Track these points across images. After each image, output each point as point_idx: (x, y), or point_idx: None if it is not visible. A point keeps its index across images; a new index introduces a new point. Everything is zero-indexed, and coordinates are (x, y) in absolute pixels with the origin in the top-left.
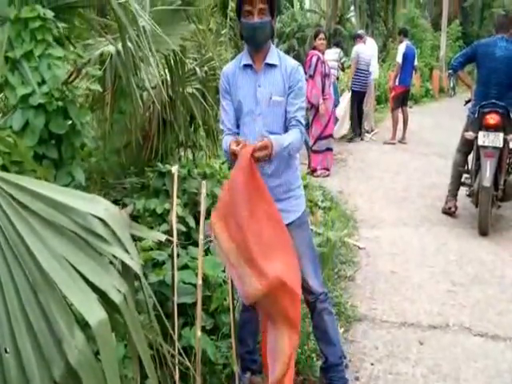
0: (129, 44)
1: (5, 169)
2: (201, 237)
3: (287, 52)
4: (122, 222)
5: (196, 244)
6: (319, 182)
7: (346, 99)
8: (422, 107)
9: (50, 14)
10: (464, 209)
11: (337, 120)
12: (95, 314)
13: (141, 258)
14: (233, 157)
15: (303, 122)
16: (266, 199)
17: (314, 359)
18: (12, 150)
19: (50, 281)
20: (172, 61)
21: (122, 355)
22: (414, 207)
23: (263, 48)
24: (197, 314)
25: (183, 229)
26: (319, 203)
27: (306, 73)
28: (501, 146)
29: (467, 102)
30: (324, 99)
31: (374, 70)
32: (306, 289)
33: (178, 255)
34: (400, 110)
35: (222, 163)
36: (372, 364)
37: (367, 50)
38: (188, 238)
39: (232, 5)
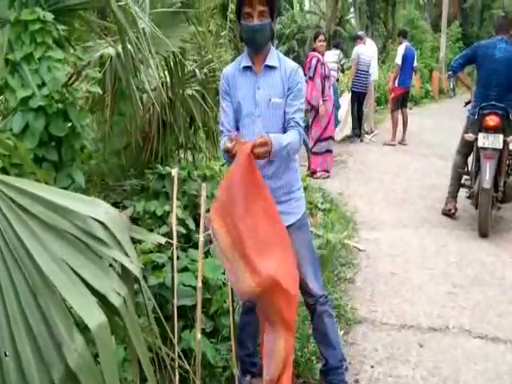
0: (129, 46)
1: (5, 171)
2: (201, 239)
3: (287, 53)
4: (122, 225)
5: (196, 246)
6: (319, 184)
7: (346, 101)
8: (421, 108)
9: (49, 16)
10: (464, 210)
11: (338, 122)
12: (95, 317)
13: (141, 260)
14: (227, 154)
15: (302, 123)
16: (264, 196)
17: (314, 362)
18: (12, 153)
19: (49, 284)
20: (172, 63)
21: (122, 358)
22: (414, 209)
23: (263, 50)
24: (197, 316)
25: (183, 231)
26: (319, 205)
27: (305, 74)
28: (501, 147)
29: (467, 104)
30: (324, 101)
31: (374, 71)
32: (306, 291)
33: (178, 257)
34: (400, 111)
35: (222, 165)
36: (372, 366)
37: (367, 50)
38: (188, 240)
39: (232, 7)
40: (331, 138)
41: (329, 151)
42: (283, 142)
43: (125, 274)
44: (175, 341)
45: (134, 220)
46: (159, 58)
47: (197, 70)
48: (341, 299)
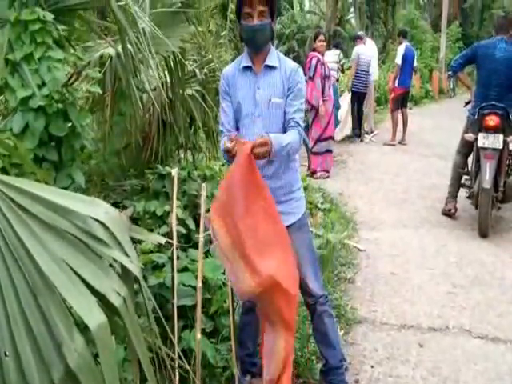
0: (129, 46)
1: (5, 171)
2: (201, 239)
3: (287, 53)
4: (122, 225)
5: (196, 246)
6: (319, 184)
7: (346, 101)
8: (421, 108)
9: (49, 16)
10: (464, 210)
11: (338, 122)
12: (95, 317)
13: (141, 260)
14: (227, 154)
15: (302, 123)
16: (264, 196)
17: (314, 362)
18: (12, 153)
19: (49, 284)
20: (172, 63)
21: (122, 358)
22: (414, 209)
23: (263, 50)
24: (197, 316)
25: (183, 231)
26: (319, 205)
27: (305, 74)
28: (500, 147)
29: (467, 104)
30: (324, 101)
31: (374, 71)
32: (306, 291)
33: (178, 257)
34: (400, 111)
35: (222, 165)
36: (372, 366)
37: (367, 50)
38: (188, 240)
39: (232, 6)
40: (331, 138)
41: (329, 151)
42: (283, 141)
43: (125, 274)
44: (175, 341)
45: (134, 220)
46: (159, 58)
47: (197, 70)
48: (341, 299)
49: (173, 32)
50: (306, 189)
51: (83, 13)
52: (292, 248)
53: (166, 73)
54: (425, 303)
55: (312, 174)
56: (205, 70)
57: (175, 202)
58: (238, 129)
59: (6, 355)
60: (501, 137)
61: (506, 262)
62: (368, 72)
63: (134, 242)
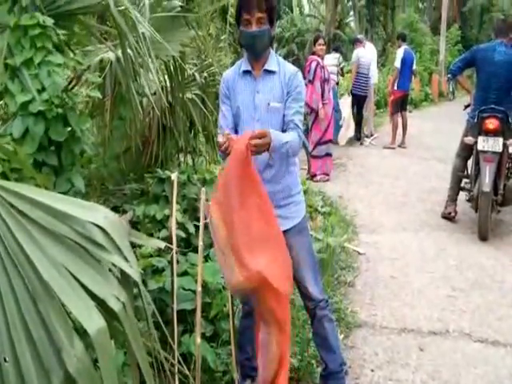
0: (128, 50)
1: (4, 176)
2: (200, 243)
3: (286, 57)
4: (122, 230)
5: (196, 250)
6: (319, 187)
7: (347, 104)
8: (421, 111)
9: (49, 21)
10: (464, 214)
11: (340, 126)
12: (94, 322)
13: (140, 264)
14: (219, 149)
15: (301, 125)
16: (258, 193)
17: (314, 366)
18: (12, 158)
19: (49, 289)
20: (172, 67)
21: (122, 362)
22: (414, 212)
23: (262, 55)
24: (196, 320)
25: (183, 235)
26: (319, 208)
27: (304, 78)
28: (500, 150)
29: (466, 107)
30: (323, 104)
31: (374, 74)
32: (305, 295)
33: (178, 262)
34: (399, 114)
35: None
36: (372, 370)
37: (367, 54)
38: (188, 244)
39: (232, 10)
40: (331, 141)
41: (328, 154)
42: (283, 139)
43: (124, 279)
44: (175, 346)
45: (134, 224)
46: (159, 63)
47: (196, 74)
48: (341, 303)
49: (172, 36)
50: (305, 192)
51: (83, 17)
52: (292, 251)
53: (166, 77)
54: (425, 307)
55: (312, 177)
56: (205, 74)
57: (175, 206)
58: (236, 132)
59: (5, 361)
60: (500, 140)
61: (506, 266)
62: (368, 75)
63: (134, 246)
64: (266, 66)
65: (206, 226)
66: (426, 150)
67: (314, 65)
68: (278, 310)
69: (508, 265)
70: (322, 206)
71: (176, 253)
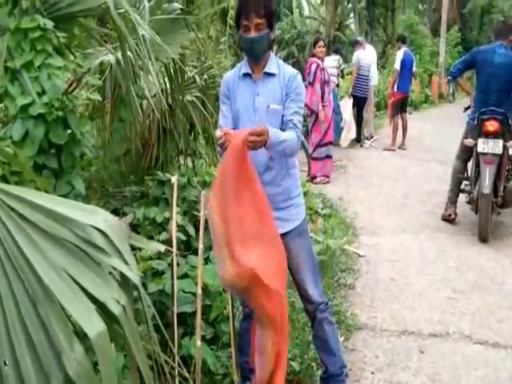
0: (128, 53)
1: (4, 179)
2: (200, 246)
3: (286, 59)
4: (122, 233)
5: (196, 252)
6: (319, 190)
7: (348, 107)
8: (421, 113)
9: (49, 24)
10: (464, 216)
11: (341, 129)
12: (94, 325)
13: (140, 267)
14: (217, 144)
15: (300, 126)
16: (254, 190)
17: (314, 368)
18: (12, 161)
19: (49, 293)
20: (172, 69)
21: (122, 365)
22: (414, 214)
23: (262, 59)
24: (196, 323)
25: (183, 237)
26: (319, 211)
27: (304, 80)
28: (500, 152)
29: (466, 109)
30: (323, 106)
31: (374, 76)
32: (305, 298)
33: (178, 264)
34: (399, 116)
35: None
36: (372, 373)
37: (367, 55)
38: (188, 247)
39: (232, 12)
40: (331, 143)
41: (328, 156)
42: (281, 136)
43: (124, 282)
44: (175, 350)
45: (134, 226)
46: (159, 65)
47: (196, 77)
48: (341, 305)
49: (172, 38)
50: (305, 194)
51: (83, 20)
52: (291, 254)
53: (166, 79)
54: (425, 309)
55: (312, 179)
56: (205, 76)
57: (175, 209)
58: None
59: (5, 364)
60: (500, 142)
61: (506, 267)
62: (368, 77)
63: (134, 248)
64: (266, 69)
65: (206, 229)
66: (426, 152)
67: (314, 67)
68: (268, 307)
69: (508, 267)
70: (322, 208)
71: (176, 255)
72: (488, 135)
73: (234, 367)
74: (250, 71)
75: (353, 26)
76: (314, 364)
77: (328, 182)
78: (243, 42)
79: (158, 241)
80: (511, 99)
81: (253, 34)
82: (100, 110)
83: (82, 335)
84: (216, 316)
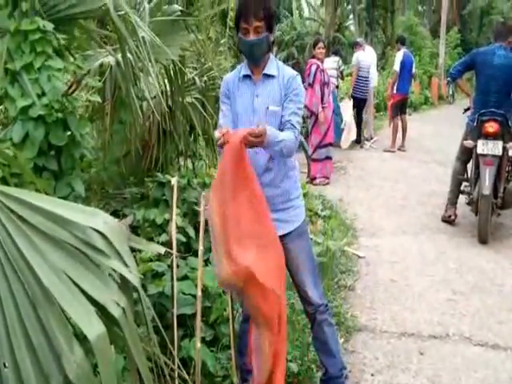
0: (128, 55)
1: (4, 181)
2: (200, 247)
3: (286, 60)
4: (122, 236)
5: (196, 254)
6: (319, 191)
7: (349, 108)
8: (421, 114)
9: (49, 26)
10: (464, 217)
11: (342, 130)
12: (94, 328)
13: (140, 269)
14: (218, 145)
15: (298, 127)
16: (251, 189)
17: (314, 370)
18: (12, 162)
19: (49, 295)
20: (171, 71)
21: (122, 367)
22: (414, 215)
23: (261, 61)
24: (196, 325)
25: (183, 239)
26: (319, 212)
27: (303, 81)
28: (500, 154)
29: (466, 110)
30: (323, 107)
31: (373, 77)
32: (305, 300)
33: (178, 266)
34: (399, 117)
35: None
36: (372, 375)
37: (367, 57)
38: (188, 248)
39: (231, 14)
40: (331, 144)
41: (328, 158)
42: (278, 136)
43: (124, 284)
44: (175, 352)
45: (134, 228)
46: (159, 67)
47: (196, 78)
48: (341, 307)
49: (172, 40)
50: (305, 196)
51: (83, 22)
52: (291, 255)
53: (166, 81)
54: (425, 310)
55: (312, 180)
56: (204, 78)
57: (175, 210)
58: None
59: (5, 366)
60: (500, 143)
61: (506, 269)
62: (368, 78)
63: (134, 250)
64: (266, 71)
65: (206, 231)
66: (425, 153)
67: (313, 68)
68: (264, 307)
69: (508, 268)
70: (321, 210)
71: (176, 257)
72: (488, 136)
73: (234, 369)
74: (249, 73)
75: (352, 28)
76: (313, 366)
77: (328, 184)
78: (242, 44)
79: (158, 242)
80: (511, 100)
81: (252, 36)
82: (100, 112)
83: (81, 337)
84: (216, 318)
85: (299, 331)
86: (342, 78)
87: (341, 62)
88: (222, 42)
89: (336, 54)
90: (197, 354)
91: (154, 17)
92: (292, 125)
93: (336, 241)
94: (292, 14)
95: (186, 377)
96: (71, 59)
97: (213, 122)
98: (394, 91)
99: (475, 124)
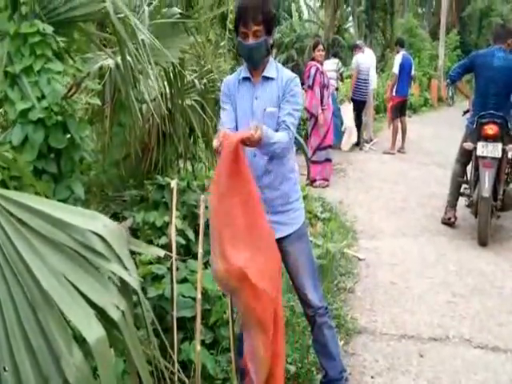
0: (128, 57)
1: (4, 184)
2: (200, 250)
3: (286, 62)
4: (121, 239)
5: (195, 257)
6: (318, 193)
7: (349, 111)
8: (420, 116)
9: (49, 29)
10: (463, 219)
11: (342, 133)
12: (93, 330)
13: (140, 272)
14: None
15: (293, 128)
16: (248, 190)
17: (314, 373)
18: (11, 165)
19: (48, 298)
20: (171, 73)
21: (121, 371)
22: (414, 217)
23: (260, 64)
24: (196, 327)
25: (182, 242)
26: (318, 214)
27: (302, 84)
28: (499, 156)
29: (465, 112)
30: (323, 110)
31: (373, 79)
32: (305, 302)
33: (178, 269)
34: (398, 119)
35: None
36: (372, 377)
37: (367, 59)
38: (187, 251)
39: (231, 16)
40: (330, 146)
41: (328, 160)
42: (272, 138)
43: (123, 288)
44: (175, 356)
45: (134, 231)
46: (158, 69)
47: (196, 81)
48: (341, 309)
49: (172, 43)
50: (305, 198)
51: (83, 25)
52: (291, 258)
53: (166, 83)
54: (425, 313)
55: (311, 182)
56: (204, 81)
57: (174, 213)
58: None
59: (5, 370)
60: (499, 145)
61: (505, 271)
62: (367, 81)
63: (134, 253)
64: (265, 73)
65: (205, 233)
66: (425, 155)
67: (313, 70)
68: (257, 308)
69: (508, 270)
70: (321, 212)
71: (176, 260)
72: (487, 139)
73: (234, 372)
74: (249, 75)
75: (352, 30)
76: (313, 368)
77: (327, 186)
78: (241, 48)
79: (158, 245)
80: (510, 103)
81: (251, 40)
82: (99, 115)
83: (81, 340)
84: (215, 320)
85: (299, 334)
86: (342, 80)
87: (340, 64)
88: (221, 44)
89: (335, 56)
90: (197, 356)
91: (154, 19)
92: (286, 125)
93: (336, 243)
94: (291, 16)
95: (186, 380)
96: (71, 62)
97: (212, 124)
98: (394, 93)
99: (475, 126)
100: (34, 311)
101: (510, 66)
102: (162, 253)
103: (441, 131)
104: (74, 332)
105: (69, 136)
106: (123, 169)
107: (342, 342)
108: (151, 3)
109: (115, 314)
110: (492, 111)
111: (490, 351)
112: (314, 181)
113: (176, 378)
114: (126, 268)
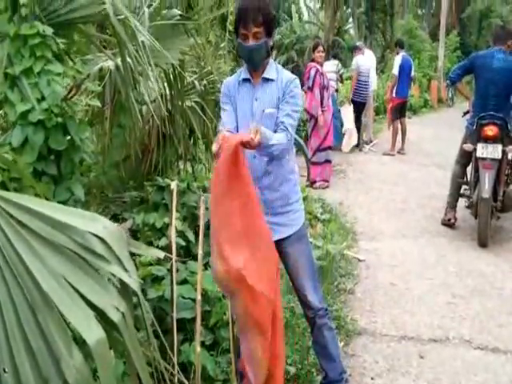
0: (128, 59)
1: (4, 186)
2: (200, 251)
3: (286, 63)
4: (121, 240)
5: (195, 258)
6: (318, 194)
7: (350, 113)
8: (420, 118)
9: (49, 30)
10: (463, 220)
11: (343, 135)
12: (93, 332)
13: (140, 273)
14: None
15: (291, 129)
16: (246, 192)
17: (314, 374)
18: (11, 167)
19: (48, 300)
20: (171, 75)
21: (121, 372)
22: (414, 219)
23: (260, 66)
24: (196, 329)
25: (182, 243)
26: (318, 215)
27: (302, 85)
28: (499, 157)
29: (465, 114)
30: (323, 111)
31: (373, 81)
32: (305, 304)
33: (178, 270)
34: (398, 121)
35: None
36: (372, 378)
37: (367, 61)
38: (187, 252)
39: (231, 18)
40: (330, 147)
41: (328, 161)
42: (271, 140)
43: (123, 289)
44: (175, 359)
45: (134, 232)
46: (158, 71)
47: (196, 82)
48: (341, 310)
49: (172, 44)
50: (305, 199)
51: (83, 26)
52: (290, 259)
53: (166, 85)
54: (425, 314)
55: (311, 184)
56: (204, 82)
57: (174, 214)
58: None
59: (4, 371)
60: (499, 147)
61: (505, 272)
62: (367, 82)
63: (134, 254)
64: (265, 74)
65: (205, 234)
66: (425, 157)
67: (313, 72)
68: (255, 310)
69: (508, 271)
70: (321, 213)
71: (175, 261)
72: (487, 140)
73: (234, 373)
74: (249, 76)
75: (352, 31)
76: (313, 370)
77: (327, 187)
78: (242, 50)
79: (158, 246)
80: (510, 104)
81: (251, 42)
82: (99, 116)
83: (81, 342)
84: (215, 322)
85: (299, 335)
86: (342, 82)
87: (340, 65)
88: (221, 45)
89: (335, 57)
90: (197, 358)
91: (154, 21)
92: (285, 127)
93: (336, 244)
94: (291, 18)
95: (186, 382)
96: (71, 64)
97: (212, 125)
98: (394, 95)
99: (474, 127)
100: (34, 313)
101: (509, 67)
102: (161, 254)
103: (441, 132)
104: (73, 334)
105: (69, 138)
106: (123, 170)
107: (342, 344)
108: (151, 5)
109: (115, 316)
110: (492, 112)
111: (490, 352)
112: (314, 182)
113: (176, 380)
114: (125, 269)
